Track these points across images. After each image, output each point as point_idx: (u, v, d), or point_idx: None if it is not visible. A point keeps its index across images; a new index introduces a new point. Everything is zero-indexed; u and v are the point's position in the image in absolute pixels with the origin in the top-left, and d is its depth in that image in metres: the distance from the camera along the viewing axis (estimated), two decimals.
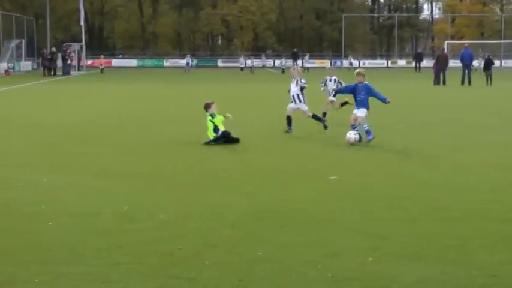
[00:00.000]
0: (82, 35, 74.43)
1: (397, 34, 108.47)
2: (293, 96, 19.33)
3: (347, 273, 7.03)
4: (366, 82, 17.21)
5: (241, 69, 73.57)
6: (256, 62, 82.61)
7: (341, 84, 20.74)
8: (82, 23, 74.66)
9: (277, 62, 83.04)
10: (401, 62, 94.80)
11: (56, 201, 10.37)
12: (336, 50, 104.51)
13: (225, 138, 16.57)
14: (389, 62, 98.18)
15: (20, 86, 46.14)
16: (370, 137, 16.63)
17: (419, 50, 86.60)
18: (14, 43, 74.23)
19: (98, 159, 14.60)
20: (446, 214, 9.48)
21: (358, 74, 17.55)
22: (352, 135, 16.52)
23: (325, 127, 19.36)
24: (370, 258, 7.48)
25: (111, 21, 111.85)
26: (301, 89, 19.21)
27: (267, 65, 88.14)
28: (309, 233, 8.57)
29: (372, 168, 13.41)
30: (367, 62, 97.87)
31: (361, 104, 17.13)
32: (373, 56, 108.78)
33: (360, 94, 17.12)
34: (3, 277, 6.93)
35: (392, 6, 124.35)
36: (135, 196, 10.75)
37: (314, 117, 19.50)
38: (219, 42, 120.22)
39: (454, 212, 9.58)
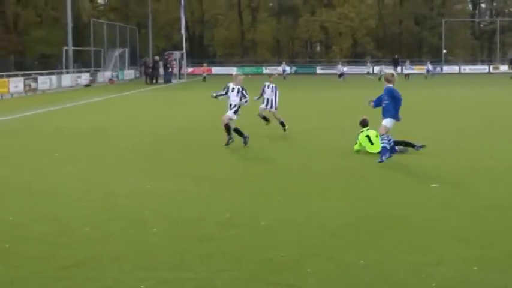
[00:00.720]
0: (183, 43, 75.43)
1: (499, 39, 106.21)
2: (231, 105, 18.21)
3: (451, 283, 6.96)
4: (390, 85, 15.09)
5: (339, 76, 73.25)
6: (355, 69, 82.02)
7: (244, 95, 18.26)
8: (183, 31, 75.72)
9: (376, 69, 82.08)
10: (504, 68, 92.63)
11: (160, 208, 10.57)
12: (435, 56, 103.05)
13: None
14: (491, 67, 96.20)
15: (124, 94, 47.13)
16: (381, 159, 14.67)
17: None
18: (117, 52, 75.85)
19: (199, 165, 14.81)
20: None
21: (384, 78, 15.68)
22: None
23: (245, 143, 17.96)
24: (475, 267, 7.38)
25: (211, 29, 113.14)
26: (242, 97, 18.10)
27: (365, 72, 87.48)
28: (411, 240, 8.52)
29: (474, 176, 13.19)
30: (468, 68, 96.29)
31: (385, 112, 15.07)
32: (474, 62, 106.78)
33: (384, 100, 15.09)
34: (110, 282, 7.10)
35: (494, 11, 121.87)
36: (236, 202, 10.87)
37: (230, 129, 18.10)
38: (318, 49, 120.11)
39: None
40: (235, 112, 18.29)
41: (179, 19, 77.51)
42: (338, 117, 26.07)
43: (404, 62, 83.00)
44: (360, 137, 16.62)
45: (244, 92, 18.24)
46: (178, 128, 22.71)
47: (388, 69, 73.13)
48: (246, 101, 18.28)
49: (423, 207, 10.36)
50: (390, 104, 14.87)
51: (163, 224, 9.51)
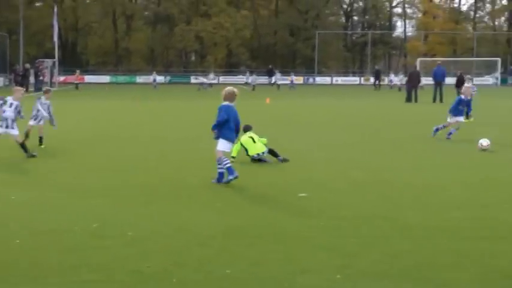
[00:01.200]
0: (55, 50, 74.06)
1: (370, 51, 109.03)
2: (7, 119, 17.25)
3: None
4: (225, 103, 13.54)
5: (201, 84, 72.81)
6: (230, 79, 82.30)
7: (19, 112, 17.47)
8: (55, 39, 74.32)
9: (249, 79, 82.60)
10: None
11: (24, 219, 10.27)
12: (309, 67, 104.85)
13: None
14: (362, 79, 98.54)
15: None
16: (222, 181, 13.46)
17: (376, 67, 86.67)
18: None
19: (69, 176, 14.50)
20: (416, 232, 9.51)
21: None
22: None
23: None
24: (339, 276, 7.48)
25: (84, 37, 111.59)
26: (19, 112, 17.38)
27: (241, 82, 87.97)
28: (279, 250, 8.56)
29: (343, 186, 13.41)
30: (340, 79, 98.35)
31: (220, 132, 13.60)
32: (346, 73, 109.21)
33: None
34: None
35: (365, 24, 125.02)
36: (105, 213, 10.69)
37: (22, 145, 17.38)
38: (193, 58, 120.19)
39: (424, 230, 9.62)
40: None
41: (52, 26, 76.04)
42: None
43: (276, 72, 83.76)
44: (241, 140, 16.68)
45: (20, 108, 17.39)
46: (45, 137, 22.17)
47: (263, 79, 73.81)
48: (21, 117, 17.55)
49: (291, 217, 10.44)
50: (226, 124, 13.42)
51: (26, 236, 9.24)
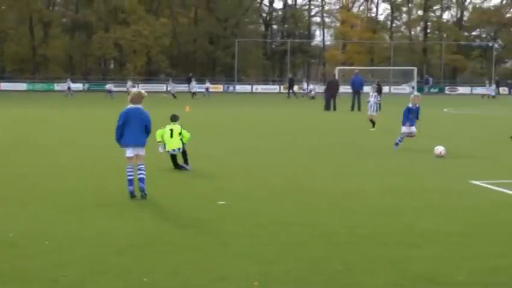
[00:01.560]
0: None
1: (289, 60, 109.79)
2: None
3: None
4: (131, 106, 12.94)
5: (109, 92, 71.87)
6: (149, 87, 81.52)
7: None
8: None
9: (169, 87, 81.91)
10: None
11: None
12: (229, 75, 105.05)
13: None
14: (282, 87, 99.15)
15: None
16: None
17: (289, 76, 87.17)
18: None
19: None
20: (333, 239, 9.61)
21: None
22: None
23: None
24: (256, 283, 7.51)
25: (0, 44, 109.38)
26: None
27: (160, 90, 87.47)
28: (198, 258, 8.55)
29: (262, 193, 13.46)
30: (260, 87, 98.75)
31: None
32: (266, 81, 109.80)
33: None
34: None
35: (285, 33, 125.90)
36: (21, 222, 10.51)
37: None
38: (112, 66, 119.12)
39: (340, 237, 9.73)
40: None
41: None
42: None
43: (191, 80, 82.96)
44: (165, 128, 16.64)
45: None
46: None
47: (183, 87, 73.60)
48: None
49: (210, 225, 10.43)
50: (126, 128, 12.83)
51: None
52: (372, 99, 29.53)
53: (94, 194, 13.13)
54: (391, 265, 8.31)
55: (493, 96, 77.41)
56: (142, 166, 12.76)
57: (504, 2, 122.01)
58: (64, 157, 19.03)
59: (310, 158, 19.51)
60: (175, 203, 12.30)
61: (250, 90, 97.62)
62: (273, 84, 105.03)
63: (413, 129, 22.02)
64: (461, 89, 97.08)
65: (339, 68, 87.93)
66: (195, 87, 76.22)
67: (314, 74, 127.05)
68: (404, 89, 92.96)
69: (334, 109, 46.40)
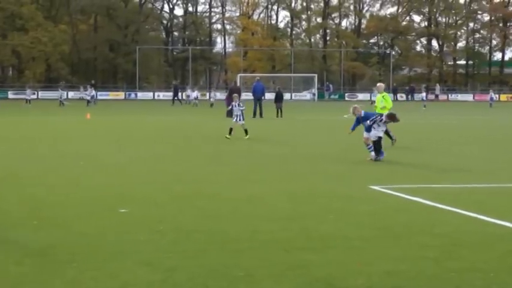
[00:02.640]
0: None
1: (191, 67, 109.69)
2: None
3: None
4: None
5: (28, 101, 70.68)
6: (48, 94, 79.74)
7: None
8: None
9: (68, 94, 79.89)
10: (194, 94, 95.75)
11: None
12: (130, 82, 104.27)
13: None
14: (184, 94, 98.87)
15: None
16: None
17: (174, 83, 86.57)
18: None
19: None
20: (233, 245, 9.61)
21: None
22: None
23: None
24: None
25: None
26: None
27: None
28: (99, 267, 8.43)
29: (163, 200, 13.37)
30: (162, 94, 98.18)
31: None
32: (167, 88, 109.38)
33: None
34: None
35: (186, 40, 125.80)
36: None
37: None
38: (10, 73, 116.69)
39: (242, 243, 9.74)
40: None
41: None
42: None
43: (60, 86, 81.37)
44: None
45: None
46: None
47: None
48: None
49: (111, 233, 10.31)
50: None
51: None
52: (235, 108, 29.09)
53: None
54: (292, 270, 8.36)
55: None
56: None
57: (400, 10, 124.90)
58: None
59: (212, 165, 19.51)
60: (76, 211, 12.10)
61: (152, 97, 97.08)
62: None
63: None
64: (361, 96, 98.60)
65: (240, 74, 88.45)
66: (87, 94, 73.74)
67: (216, 80, 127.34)
68: (305, 95, 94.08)
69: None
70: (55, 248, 9.39)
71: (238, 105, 29.09)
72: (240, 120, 28.57)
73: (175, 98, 76.07)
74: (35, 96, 78.79)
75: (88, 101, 70.45)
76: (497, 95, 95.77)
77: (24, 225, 10.88)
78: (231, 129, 28.22)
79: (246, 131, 28.04)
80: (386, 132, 22.73)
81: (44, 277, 7.96)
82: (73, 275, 8.07)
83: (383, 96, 25.27)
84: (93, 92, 73.47)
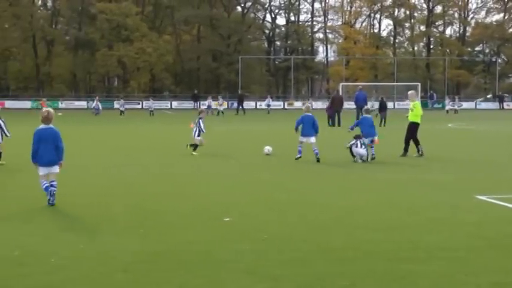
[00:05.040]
0: None
1: (293, 76, 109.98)
2: None
3: None
4: None
5: (121, 112, 70.77)
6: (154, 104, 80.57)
7: None
8: None
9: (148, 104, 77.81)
10: (298, 104, 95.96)
11: None
12: (233, 91, 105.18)
13: None
14: (286, 103, 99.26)
15: None
16: None
17: (240, 92, 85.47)
18: None
19: None
20: (338, 254, 9.60)
21: None
22: None
23: None
24: None
25: (4, 62, 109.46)
26: None
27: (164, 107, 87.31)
28: (204, 275, 8.54)
29: (264, 209, 13.42)
30: (264, 104, 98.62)
31: None
32: (271, 98, 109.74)
33: None
34: None
35: (288, 49, 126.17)
36: (26, 240, 10.49)
37: None
38: (116, 83, 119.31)
39: (346, 252, 9.71)
40: None
41: None
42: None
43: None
44: None
45: None
46: None
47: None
48: None
49: (216, 242, 10.42)
50: (40, 149, 13.79)
51: None
52: (197, 126, 25.64)
53: (96, 212, 13.11)
54: (397, 281, 8.27)
55: (455, 111, 78.12)
56: (55, 182, 13.67)
57: (506, 17, 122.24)
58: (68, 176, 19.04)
59: (308, 174, 19.46)
60: (183, 219, 12.27)
61: (254, 107, 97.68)
62: (278, 101, 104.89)
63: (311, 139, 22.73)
64: (466, 104, 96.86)
65: (342, 83, 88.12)
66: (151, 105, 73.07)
67: (318, 90, 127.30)
68: (409, 104, 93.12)
69: (339, 125, 46.32)
70: (161, 255, 9.55)
71: (198, 123, 25.75)
72: (197, 135, 25.66)
73: (240, 108, 74.49)
74: (129, 106, 79.23)
75: (219, 111, 69.94)
76: None
77: (131, 233, 11.10)
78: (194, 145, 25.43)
79: (195, 147, 25.36)
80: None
81: (149, 284, 8.10)
82: (179, 282, 8.19)
83: (414, 105, 25.12)
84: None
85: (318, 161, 22.12)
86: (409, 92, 26.34)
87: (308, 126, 22.74)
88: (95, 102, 71.56)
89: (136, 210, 13.25)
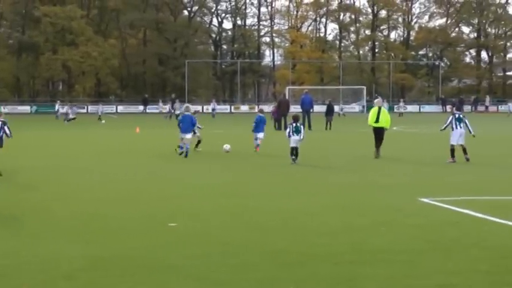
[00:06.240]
0: None
1: (239, 80, 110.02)
2: None
3: None
4: None
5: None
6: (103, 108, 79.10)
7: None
8: None
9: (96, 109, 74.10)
10: (244, 108, 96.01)
11: None
12: (179, 96, 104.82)
13: None
14: (233, 107, 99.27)
15: None
16: None
17: (172, 96, 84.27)
18: None
19: None
20: (284, 258, 9.61)
21: None
22: None
23: None
24: None
25: None
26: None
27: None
28: (150, 281, 8.50)
29: (211, 213, 13.40)
30: (210, 108, 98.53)
31: None
32: (217, 102, 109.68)
33: None
34: None
35: (235, 53, 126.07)
36: None
37: None
38: (60, 87, 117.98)
39: (292, 256, 9.74)
40: None
41: None
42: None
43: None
44: None
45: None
46: None
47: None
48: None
49: (161, 247, 10.38)
50: None
51: None
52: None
53: (39, 218, 12.97)
54: (341, 284, 8.31)
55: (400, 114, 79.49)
56: None
57: (449, 22, 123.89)
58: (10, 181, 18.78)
59: (256, 177, 19.50)
60: (129, 224, 12.19)
61: (201, 111, 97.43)
62: (224, 105, 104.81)
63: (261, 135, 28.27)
64: (410, 107, 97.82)
65: (289, 87, 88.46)
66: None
67: (265, 93, 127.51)
68: (355, 108, 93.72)
69: (285, 128, 46.24)
70: (106, 262, 9.46)
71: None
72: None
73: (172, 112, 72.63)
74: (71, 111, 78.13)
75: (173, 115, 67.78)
76: None
77: (75, 239, 10.98)
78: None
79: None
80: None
81: None
82: (124, 286, 8.13)
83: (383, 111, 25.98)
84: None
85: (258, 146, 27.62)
86: (376, 100, 27.99)
87: (261, 124, 28.40)
88: (67, 107, 68.62)
89: (81, 216, 13.13)
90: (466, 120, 23.77)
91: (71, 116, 62.80)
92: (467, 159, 23.29)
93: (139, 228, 11.86)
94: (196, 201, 15.03)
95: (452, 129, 23.59)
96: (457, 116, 23.96)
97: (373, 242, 10.71)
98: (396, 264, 9.33)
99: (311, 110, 48.44)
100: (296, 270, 8.98)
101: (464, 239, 10.98)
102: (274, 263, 9.36)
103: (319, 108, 62.32)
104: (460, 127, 23.50)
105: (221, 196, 15.76)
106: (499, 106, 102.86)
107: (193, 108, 74.23)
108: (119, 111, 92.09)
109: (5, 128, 20.82)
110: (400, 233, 11.49)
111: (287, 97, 58.86)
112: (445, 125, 24.11)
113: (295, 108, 59.47)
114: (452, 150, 23.34)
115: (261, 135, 28.31)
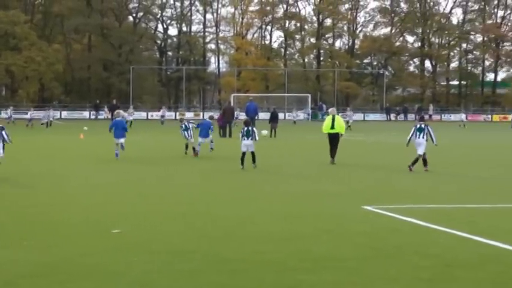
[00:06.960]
0: None
1: (184, 87, 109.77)
2: None
3: None
4: None
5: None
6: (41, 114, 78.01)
7: None
8: None
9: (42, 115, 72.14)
10: (189, 114, 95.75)
11: None
12: (124, 102, 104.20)
13: None
14: (178, 114, 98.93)
15: None
16: None
17: (114, 102, 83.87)
18: None
19: None
20: (228, 266, 9.63)
21: None
22: None
23: None
24: None
25: None
26: None
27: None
28: (92, 287, 8.43)
29: (155, 220, 13.38)
30: (155, 114, 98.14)
31: None
32: (166, 109, 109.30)
33: None
34: None
35: (180, 59, 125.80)
36: None
37: None
38: (4, 93, 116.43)
39: (236, 264, 9.76)
40: None
41: None
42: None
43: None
44: None
45: None
46: None
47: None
48: None
49: (105, 254, 10.33)
50: None
51: None
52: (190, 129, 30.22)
53: None
54: None
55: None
56: None
57: (393, 31, 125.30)
58: None
59: (202, 184, 19.52)
60: (72, 230, 12.09)
61: (146, 117, 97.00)
62: (169, 111, 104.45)
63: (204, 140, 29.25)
64: (355, 116, 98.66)
65: (234, 94, 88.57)
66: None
67: (210, 100, 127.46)
68: (299, 115, 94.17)
69: (230, 136, 46.36)
70: (48, 268, 9.38)
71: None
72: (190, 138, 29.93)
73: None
74: (17, 116, 77.29)
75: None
76: (489, 116, 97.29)
77: (15, 245, 10.86)
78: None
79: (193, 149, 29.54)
80: None
81: None
82: None
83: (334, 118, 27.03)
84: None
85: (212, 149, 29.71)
86: (330, 109, 28.77)
87: (205, 129, 29.21)
88: (46, 112, 67.27)
89: (24, 221, 13.01)
90: (430, 130, 23.73)
91: (44, 120, 63.90)
92: (426, 170, 23.32)
93: (83, 234, 11.78)
94: (141, 207, 14.98)
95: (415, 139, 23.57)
96: (418, 126, 23.99)
97: (317, 249, 10.79)
98: (340, 271, 9.42)
99: (256, 118, 48.59)
100: (240, 277, 9.01)
101: (406, 246, 11.12)
102: (218, 270, 9.38)
103: (264, 116, 62.35)
104: (423, 137, 23.49)
105: (168, 203, 15.74)
106: (442, 115, 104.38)
107: (132, 114, 73.95)
108: (63, 116, 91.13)
109: (3, 133, 20.69)
110: (343, 240, 11.60)
111: (232, 104, 58.78)
112: (408, 138, 24.03)
113: (241, 116, 59.65)
114: (424, 160, 23.39)
115: (203, 140, 29.16)
